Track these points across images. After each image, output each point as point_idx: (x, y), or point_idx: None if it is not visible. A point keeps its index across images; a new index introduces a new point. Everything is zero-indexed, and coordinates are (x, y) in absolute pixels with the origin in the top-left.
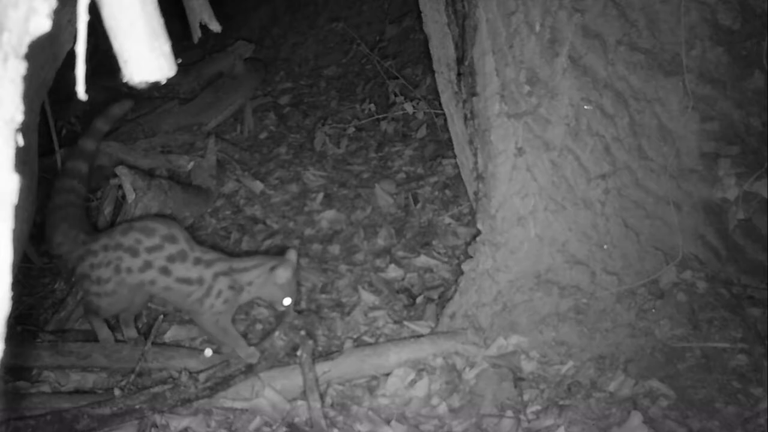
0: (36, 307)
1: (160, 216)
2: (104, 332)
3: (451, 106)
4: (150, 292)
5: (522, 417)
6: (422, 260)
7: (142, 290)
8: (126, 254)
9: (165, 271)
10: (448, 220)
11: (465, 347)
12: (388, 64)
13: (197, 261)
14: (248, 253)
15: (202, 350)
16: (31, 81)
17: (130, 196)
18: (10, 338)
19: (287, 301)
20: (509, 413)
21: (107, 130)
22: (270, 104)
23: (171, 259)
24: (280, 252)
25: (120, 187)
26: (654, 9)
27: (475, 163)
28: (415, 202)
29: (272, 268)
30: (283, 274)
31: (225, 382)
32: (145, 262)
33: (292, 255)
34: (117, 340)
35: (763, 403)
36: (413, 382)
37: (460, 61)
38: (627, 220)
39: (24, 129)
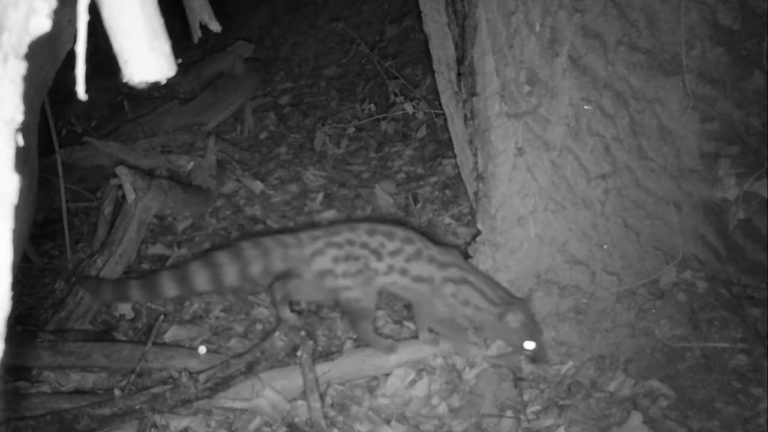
0: (36, 307)
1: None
2: (382, 342)
3: (451, 106)
4: (388, 290)
5: (522, 417)
6: None
7: (380, 289)
8: (372, 256)
9: (404, 271)
10: (448, 220)
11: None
12: (388, 64)
13: (431, 259)
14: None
15: (205, 351)
16: (31, 81)
17: (130, 196)
18: (10, 338)
19: (530, 345)
20: (509, 413)
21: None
22: (270, 104)
23: (408, 259)
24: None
25: (120, 187)
26: (654, 9)
27: (475, 163)
28: (415, 202)
29: (500, 315)
30: (514, 319)
31: (225, 382)
32: (389, 266)
33: (533, 296)
34: (116, 340)
35: (763, 403)
36: (413, 382)
37: (460, 61)
38: (627, 220)
39: (24, 129)
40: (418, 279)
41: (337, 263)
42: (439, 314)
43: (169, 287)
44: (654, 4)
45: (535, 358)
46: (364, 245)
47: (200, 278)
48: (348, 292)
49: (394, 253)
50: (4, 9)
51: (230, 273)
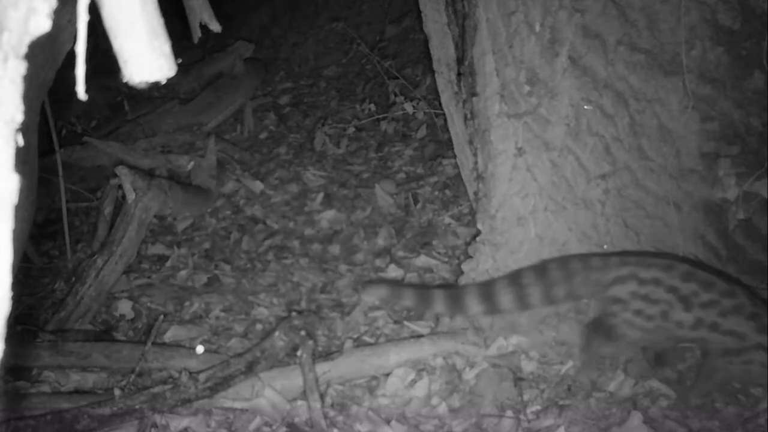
0: (36, 307)
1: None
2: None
3: (451, 106)
4: (690, 343)
5: (522, 417)
6: (422, 260)
7: (680, 341)
8: (680, 304)
9: (714, 326)
10: (448, 220)
11: (465, 347)
12: (388, 64)
13: (752, 316)
14: None
15: (203, 351)
16: (31, 81)
17: (130, 196)
18: (10, 338)
19: None
20: (509, 413)
21: None
22: (270, 104)
23: (724, 313)
24: None
25: (120, 187)
26: (654, 9)
27: (475, 163)
28: (415, 202)
29: None
30: None
31: (225, 382)
32: (697, 320)
33: None
34: (116, 340)
35: (763, 403)
36: (413, 382)
37: (460, 61)
38: (627, 220)
39: (24, 129)
40: (729, 333)
41: (634, 299)
42: (734, 378)
43: (473, 303)
44: (654, 4)
45: None
46: (671, 289)
47: (505, 297)
48: (629, 328)
49: (706, 305)
50: (4, 9)
51: (534, 294)
